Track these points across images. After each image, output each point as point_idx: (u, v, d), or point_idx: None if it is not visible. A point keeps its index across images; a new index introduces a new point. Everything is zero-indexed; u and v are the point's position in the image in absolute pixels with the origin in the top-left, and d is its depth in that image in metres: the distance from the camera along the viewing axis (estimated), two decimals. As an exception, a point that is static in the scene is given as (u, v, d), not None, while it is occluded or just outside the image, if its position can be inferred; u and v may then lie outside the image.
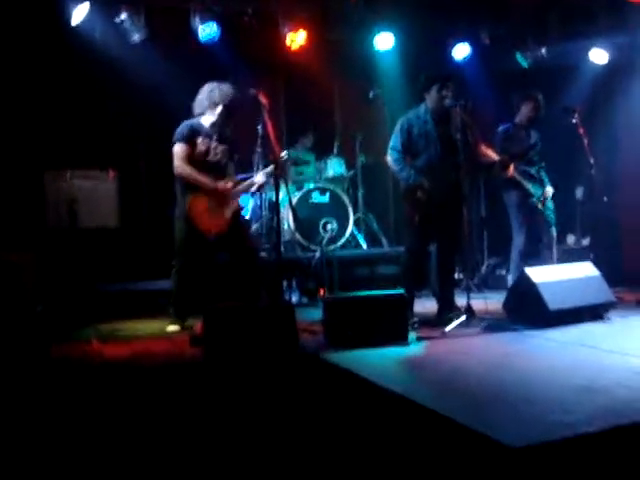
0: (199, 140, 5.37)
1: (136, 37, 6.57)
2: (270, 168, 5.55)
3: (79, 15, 6.20)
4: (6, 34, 6.37)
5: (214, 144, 5.44)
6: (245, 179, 5.68)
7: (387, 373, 3.92)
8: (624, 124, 8.22)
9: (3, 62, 6.48)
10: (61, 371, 4.25)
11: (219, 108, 5.41)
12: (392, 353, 4.45)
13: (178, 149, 5.32)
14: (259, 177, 5.58)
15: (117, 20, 6.49)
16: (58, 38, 6.52)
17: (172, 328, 5.42)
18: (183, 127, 5.38)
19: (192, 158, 5.33)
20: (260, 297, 5.49)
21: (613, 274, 5.91)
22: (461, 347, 4.60)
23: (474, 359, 4.21)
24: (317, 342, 4.75)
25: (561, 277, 5.34)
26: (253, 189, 5.66)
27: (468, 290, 5.36)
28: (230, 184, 5.47)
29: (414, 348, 4.63)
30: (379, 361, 4.25)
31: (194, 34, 6.79)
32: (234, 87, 5.48)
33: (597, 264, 5.64)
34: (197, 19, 6.74)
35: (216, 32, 6.76)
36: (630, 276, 7.19)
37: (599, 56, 7.91)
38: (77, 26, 6.24)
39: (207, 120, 5.46)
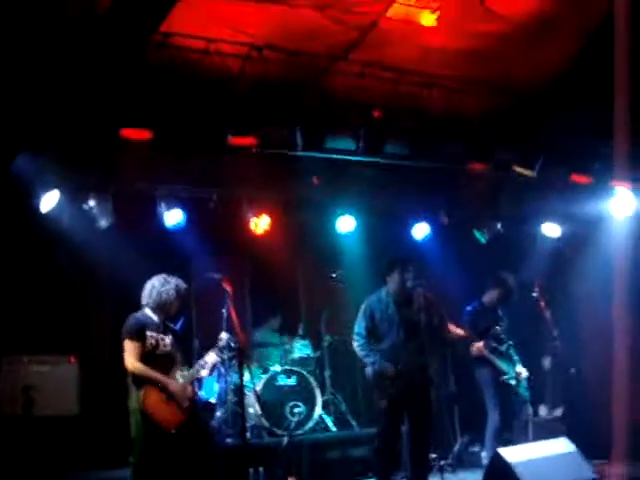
0: (148, 333, 5.31)
1: (103, 223, 6.60)
2: (220, 343, 5.56)
3: (48, 203, 6.29)
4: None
5: (161, 336, 5.39)
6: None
7: None
8: (582, 292, 8.38)
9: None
10: None
11: (166, 304, 5.41)
12: None
13: (129, 346, 5.23)
14: (211, 356, 5.50)
15: (85, 207, 6.56)
16: (24, 224, 6.59)
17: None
18: (131, 321, 5.33)
19: (143, 352, 5.24)
20: None
21: (589, 445, 5.79)
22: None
23: None
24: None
25: (537, 455, 5.24)
26: (205, 372, 5.56)
27: (441, 472, 5.18)
28: (181, 383, 5.34)
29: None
30: None
31: (159, 218, 6.91)
32: (181, 282, 5.51)
33: (571, 435, 5.54)
34: (163, 205, 6.88)
35: (182, 219, 6.90)
36: (605, 446, 7.01)
37: (551, 229, 8.25)
38: (45, 213, 6.31)
39: (154, 312, 5.43)
